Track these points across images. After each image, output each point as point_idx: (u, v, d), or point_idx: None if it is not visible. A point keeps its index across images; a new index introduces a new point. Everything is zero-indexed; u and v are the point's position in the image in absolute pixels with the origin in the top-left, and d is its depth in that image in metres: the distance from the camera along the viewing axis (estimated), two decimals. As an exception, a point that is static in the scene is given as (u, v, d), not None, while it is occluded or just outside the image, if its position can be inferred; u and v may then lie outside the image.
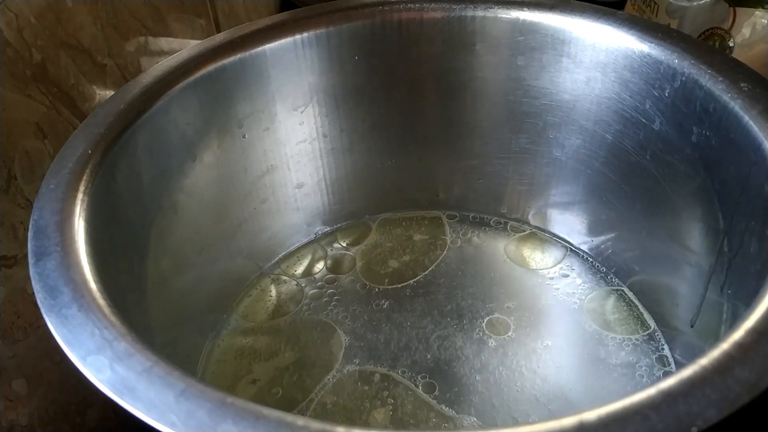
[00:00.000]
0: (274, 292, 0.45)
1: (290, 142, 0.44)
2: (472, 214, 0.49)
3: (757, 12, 0.48)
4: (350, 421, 0.37)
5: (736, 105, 0.31)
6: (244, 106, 0.40)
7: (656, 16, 0.51)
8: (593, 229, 0.45)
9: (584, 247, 0.46)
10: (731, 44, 0.49)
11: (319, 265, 0.46)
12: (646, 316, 0.41)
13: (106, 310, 0.24)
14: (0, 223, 0.32)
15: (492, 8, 0.40)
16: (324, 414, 0.37)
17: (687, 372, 0.21)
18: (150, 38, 0.46)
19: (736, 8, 0.48)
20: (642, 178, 0.39)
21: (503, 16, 0.40)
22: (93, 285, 0.25)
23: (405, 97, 0.44)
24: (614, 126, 0.40)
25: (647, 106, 0.37)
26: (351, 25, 0.41)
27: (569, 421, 0.19)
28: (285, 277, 0.46)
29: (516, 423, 0.19)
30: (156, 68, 0.37)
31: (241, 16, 0.59)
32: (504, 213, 0.48)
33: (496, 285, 0.44)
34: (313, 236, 0.48)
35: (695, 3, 0.48)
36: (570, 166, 0.44)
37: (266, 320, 0.43)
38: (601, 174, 0.42)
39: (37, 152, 0.35)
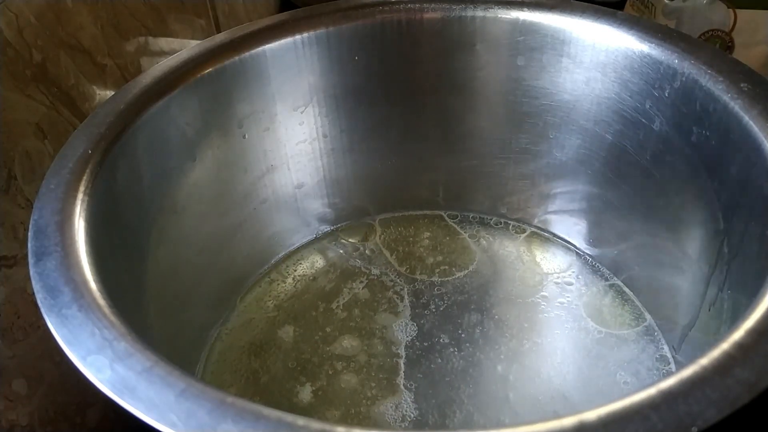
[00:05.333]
0: (274, 292, 0.45)
1: (290, 142, 0.44)
2: (472, 214, 0.49)
3: (757, 13, 0.48)
4: (352, 416, 0.37)
5: (736, 105, 0.31)
6: (244, 106, 0.40)
7: (654, 17, 0.51)
8: (593, 229, 0.45)
9: (584, 247, 0.46)
10: (732, 45, 0.49)
11: (319, 265, 0.46)
12: (647, 315, 0.41)
13: (106, 310, 0.24)
14: (0, 223, 0.32)
15: (492, 8, 0.40)
16: (326, 410, 0.37)
17: (687, 372, 0.21)
18: (150, 38, 0.46)
19: (737, 10, 0.48)
20: (642, 178, 0.39)
21: (503, 16, 0.40)
22: (93, 285, 0.25)
23: (405, 97, 0.44)
24: (614, 126, 0.40)
25: (647, 106, 0.37)
26: (351, 25, 0.41)
27: (569, 421, 0.19)
28: (285, 277, 0.46)
29: (516, 423, 0.19)
30: (156, 68, 0.37)
31: (241, 16, 0.59)
32: (504, 213, 0.48)
33: (497, 284, 0.44)
34: (313, 236, 0.48)
35: (689, 3, 0.48)
36: (570, 166, 0.44)
37: (267, 320, 0.43)
38: (601, 174, 0.42)
39: (37, 152, 0.35)
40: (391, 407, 0.37)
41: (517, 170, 0.46)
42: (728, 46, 0.49)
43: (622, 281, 0.43)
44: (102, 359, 0.22)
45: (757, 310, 0.23)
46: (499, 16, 0.40)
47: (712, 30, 0.49)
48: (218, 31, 0.55)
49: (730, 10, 0.48)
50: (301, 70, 0.41)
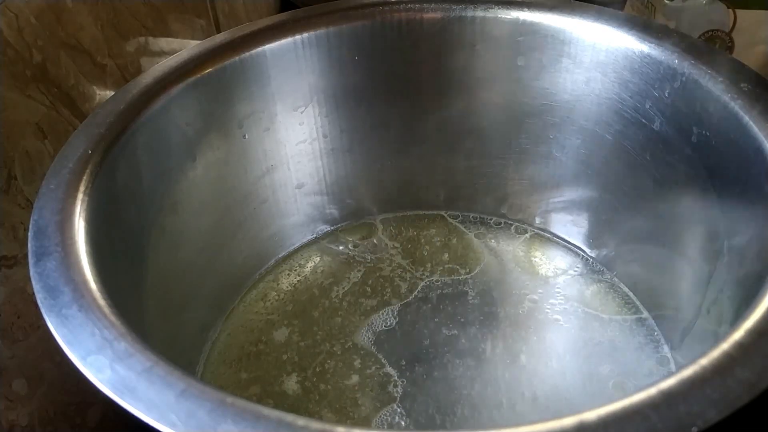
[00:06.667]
0: (274, 292, 0.45)
1: (290, 142, 0.44)
2: (473, 215, 0.49)
3: (757, 13, 0.48)
4: (352, 415, 0.37)
5: (736, 105, 0.31)
6: (244, 106, 0.40)
7: (654, 17, 0.51)
8: (593, 230, 0.45)
9: (584, 248, 0.46)
10: (732, 46, 0.49)
11: (319, 266, 0.46)
12: (647, 315, 0.41)
13: (106, 310, 0.24)
14: (0, 223, 0.32)
15: (492, 8, 0.40)
16: (326, 410, 0.37)
17: (687, 372, 0.21)
18: (150, 38, 0.46)
19: (736, 10, 0.48)
20: (642, 178, 0.39)
21: (503, 16, 0.40)
22: (93, 285, 0.25)
23: (405, 97, 0.44)
24: (614, 126, 0.40)
25: (647, 106, 0.37)
26: (351, 26, 0.41)
27: (569, 421, 0.19)
28: (285, 277, 0.46)
29: (516, 423, 0.19)
30: (156, 68, 0.37)
31: (241, 16, 0.59)
32: (504, 213, 0.48)
33: (498, 284, 0.44)
34: (313, 236, 0.48)
35: (689, 3, 0.48)
36: (570, 167, 0.44)
37: (267, 320, 0.43)
38: (601, 174, 0.42)
39: (37, 152, 0.35)
40: (391, 406, 0.37)
41: (518, 170, 0.46)
42: (728, 47, 0.49)
43: (622, 281, 0.43)
44: (102, 359, 0.22)
45: (757, 310, 0.23)
46: (499, 16, 0.40)
47: (712, 30, 0.49)
48: (218, 31, 0.55)
49: (730, 10, 0.48)
50: (301, 70, 0.41)
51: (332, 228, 0.49)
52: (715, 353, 0.21)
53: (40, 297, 0.24)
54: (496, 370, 0.39)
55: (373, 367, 0.39)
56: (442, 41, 0.42)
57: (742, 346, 0.21)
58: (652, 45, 0.36)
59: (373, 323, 0.42)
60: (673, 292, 0.39)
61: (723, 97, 0.32)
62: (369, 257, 0.47)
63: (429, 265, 0.46)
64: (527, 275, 0.44)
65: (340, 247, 0.48)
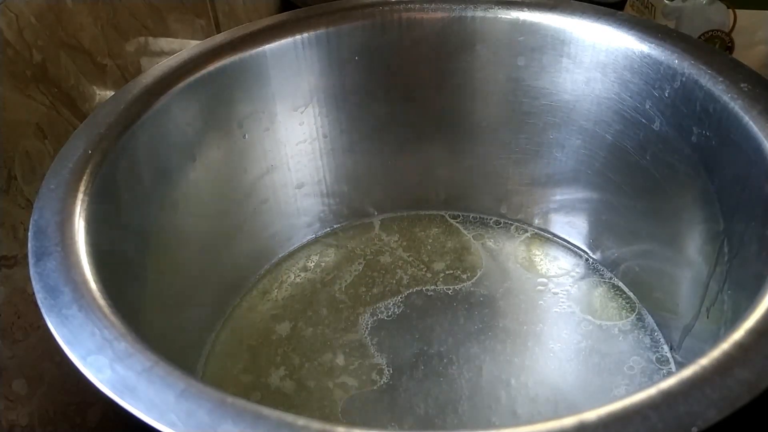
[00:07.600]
0: (274, 293, 0.45)
1: (290, 142, 0.44)
2: (473, 215, 0.49)
3: (757, 13, 0.48)
4: (353, 415, 0.37)
5: (736, 105, 0.31)
6: (244, 106, 0.40)
7: (654, 17, 0.51)
8: (593, 230, 0.45)
9: (584, 248, 0.46)
10: (732, 46, 0.49)
11: (319, 265, 0.46)
12: (647, 316, 0.41)
13: (106, 310, 0.24)
14: (0, 223, 0.32)
15: (492, 8, 0.40)
16: (325, 409, 0.37)
17: (687, 372, 0.21)
18: (150, 38, 0.46)
19: (736, 10, 0.48)
20: (642, 178, 0.39)
21: (503, 16, 0.40)
22: (93, 285, 0.25)
23: (405, 97, 0.44)
24: (614, 126, 0.40)
25: (647, 107, 0.37)
26: (351, 26, 0.41)
27: (569, 421, 0.19)
28: (285, 277, 0.46)
29: (516, 423, 0.19)
30: (156, 68, 0.37)
31: (241, 16, 0.59)
32: (504, 213, 0.48)
33: (497, 284, 0.44)
34: (313, 236, 0.48)
35: (689, 3, 0.48)
36: (570, 167, 0.44)
37: (267, 320, 0.43)
38: (601, 174, 0.42)
39: (37, 152, 0.35)
40: (390, 406, 0.37)
41: (518, 171, 0.46)
42: (728, 47, 0.49)
43: (622, 281, 0.43)
44: (102, 359, 0.22)
45: (757, 310, 0.23)
46: (499, 16, 0.40)
47: (712, 30, 0.49)
48: (218, 31, 0.55)
49: (730, 10, 0.48)
50: (301, 70, 0.41)
51: (332, 228, 0.49)
52: (715, 353, 0.21)
53: (40, 297, 0.24)
54: (495, 370, 0.39)
55: (373, 363, 0.39)
56: (442, 41, 0.42)
57: (742, 346, 0.21)
58: (652, 45, 0.36)
59: (371, 321, 0.42)
60: (673, 292, 0.39)
61: (723, 97, 0.32)
62: (368, 257, 0.47)
63: (429, 265, 0.46)
64: (527, 275, 0.44)
65: (340, 249, 0.48)
